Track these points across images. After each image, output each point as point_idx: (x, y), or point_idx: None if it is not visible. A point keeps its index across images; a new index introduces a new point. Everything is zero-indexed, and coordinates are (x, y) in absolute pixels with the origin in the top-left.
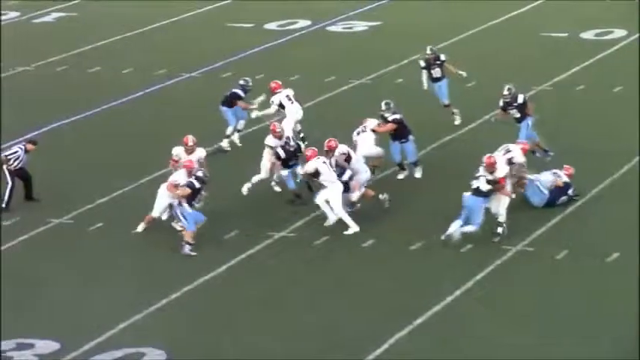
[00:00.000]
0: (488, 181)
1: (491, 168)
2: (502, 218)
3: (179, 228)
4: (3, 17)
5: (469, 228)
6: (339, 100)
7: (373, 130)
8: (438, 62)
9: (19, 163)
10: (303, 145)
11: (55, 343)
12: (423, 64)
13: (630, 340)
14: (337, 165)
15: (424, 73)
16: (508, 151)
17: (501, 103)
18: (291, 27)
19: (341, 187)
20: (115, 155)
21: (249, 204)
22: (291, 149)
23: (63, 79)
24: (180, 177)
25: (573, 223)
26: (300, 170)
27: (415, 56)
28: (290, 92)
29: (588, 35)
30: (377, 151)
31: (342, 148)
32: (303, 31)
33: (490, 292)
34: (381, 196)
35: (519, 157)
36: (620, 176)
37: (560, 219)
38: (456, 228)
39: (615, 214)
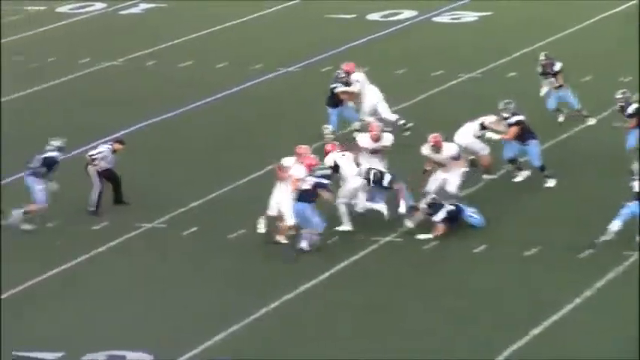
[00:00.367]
0: None
1: None
2: None
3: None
4: (88, 9)
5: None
6: (447, 95)
7: (483, 126)
8: (552, 72)
9: (107, 164)
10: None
11: (147, 355)
12: (539, 69)
13: None
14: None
15: (542, 80)
16: None
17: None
18: (396, 18)
19: (360, 182)
20: (210, 155)
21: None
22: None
23: (152, 74)
24: (299, 171)
25: None
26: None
27: (528, 49)
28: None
29: None
30: (479, 146)
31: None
32: (408, 22)
33: (610, 301)
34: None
35: None
36: None
37: None
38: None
39: None
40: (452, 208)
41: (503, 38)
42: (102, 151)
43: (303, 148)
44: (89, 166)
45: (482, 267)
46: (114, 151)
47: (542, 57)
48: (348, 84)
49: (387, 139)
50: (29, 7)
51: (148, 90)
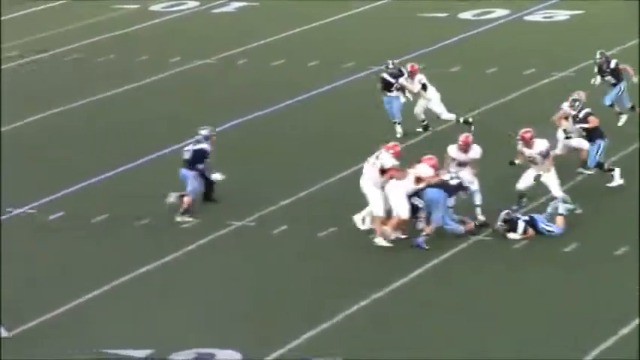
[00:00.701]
0: None
1: None
2: None
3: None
4: (182, 7)
5: None
6: (539, 94)
7: (576, 120)
8: (608, 70)
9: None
10: None
11: (236, 353)
12: (596, 69)
13: None
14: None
15: (598, 79)
16: None
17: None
18: (487, 17)
19: (405, 186)
20: (300, 153)
21: None
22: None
23: (244, 73)
24: (425, 170)
25: None
26: None
27: (620, 47)
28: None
29: None
30: (579, 143)
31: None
32: (499, 21)
33: None
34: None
35: None
36: None
37: None
38: None
39: None
40: (527, 219)
41: (595, 36)
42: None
43: (392, 145)
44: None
45: (573, 266)
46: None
47: (598, 55)
48: (397, 76)
49: (476, 151)
50: (123, 6)
51: (239, 89)
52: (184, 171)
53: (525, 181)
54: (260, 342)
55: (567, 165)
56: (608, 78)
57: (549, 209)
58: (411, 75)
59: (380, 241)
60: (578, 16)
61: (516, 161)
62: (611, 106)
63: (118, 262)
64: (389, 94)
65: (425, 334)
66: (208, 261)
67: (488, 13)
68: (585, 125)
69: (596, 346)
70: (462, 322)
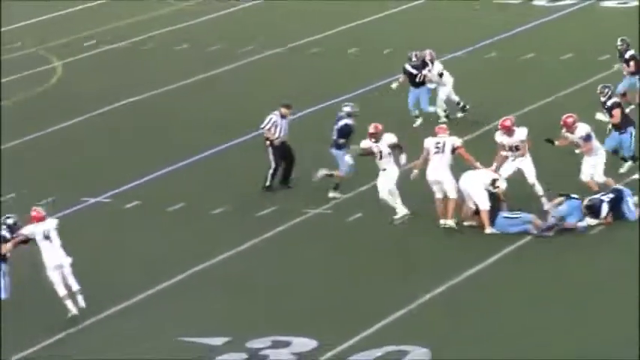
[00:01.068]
0: None
1: None
2: None
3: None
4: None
5: None
6: (613, 80)
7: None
8: (627, 57)
9: (279, 131)
10: None
11: (312, 340)
12: (617, 55)
13: None
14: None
15: (623, 66)
16: None
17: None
18: (562, 3)
19: (397, 171)
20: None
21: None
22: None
23: (317, 62)
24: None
25: None
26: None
27: None
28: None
29: None
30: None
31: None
32: (574, 7)
33: None
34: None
35: None
36: None
37: None
38: None
39: None
40: (612, 196)
41: None
42: (270, 118)
43: (442, 127)
44: (266, 142)
45: None
46: (282, 116)
47: (619, 42)
48: (419, 68)
49: (522, 132)
50: None
51: (313, 77)
52: (334, 150)
53: (588, 167)
54: (335, 330)
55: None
56: (625, 65)
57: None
58: (430, 63)
59: (448, 222)
60: None
61: (556, 142)
62: (624, 95)
63: (194, 251)
64: (413, 87)
65: (500, 322)
66: (285, 248)
67: None
68: (611, 119)
69: None
70: (538, 309)
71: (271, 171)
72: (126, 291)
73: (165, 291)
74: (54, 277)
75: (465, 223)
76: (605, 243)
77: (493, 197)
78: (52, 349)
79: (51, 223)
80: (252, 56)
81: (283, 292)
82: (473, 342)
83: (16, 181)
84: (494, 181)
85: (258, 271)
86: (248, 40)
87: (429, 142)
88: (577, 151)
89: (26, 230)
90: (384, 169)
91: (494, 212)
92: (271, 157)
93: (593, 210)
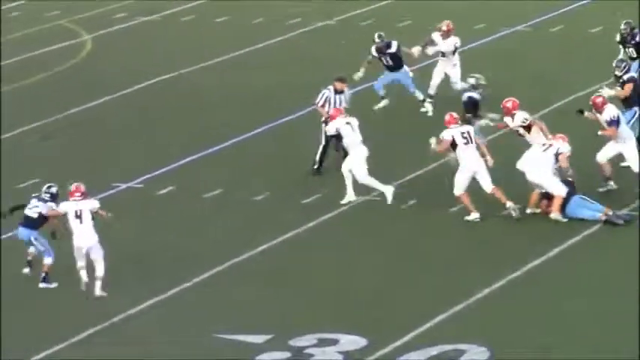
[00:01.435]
0: None
1: None
2: None
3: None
4: None
5: None
6: None
7: None
8: (633, 42)
9: (332, 105)
10: None
11: (361, 338)
12: (618, 38)
13: None
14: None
15: (621, 50)
16: None
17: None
18: None
19: (365, 151)
20: (432, 124)
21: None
22: None
23: (367, 34)
24: (565, 147)
25: None
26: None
27: None
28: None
29: None
30: None
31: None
32: None
33: None
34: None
35: None
36: None
37: None
38: None
39: None
40: None
41: None
42: (322, 92)
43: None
44: (322, 119)
45: None
46: (336, 91)
47: (623, 25)
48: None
49: (520, 116)
50: None
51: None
52: None
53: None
54: (386, 326)
55: None
56: (630, 50)
57: None
58: (446, 34)
59: (513, 209)
60: None
61: (586, 113)
62: None
63: (233, 241)
64: (388, 71)
65: (562, 317)
66: (330, 239)
67: None
68: (620, 93)
69: None
70: (601, 302)
71: (321, 148)
72: (160, 284)
73: (202, 284)
74: (77, 255)
75: (528, 211)
76: None
77: (568, 183)
78: (79, 347)
79: (86, 204)
80: (300, 28)
81: (329, 285)
82: (535, 337)
83: (40, 164)
84: (557, 156)
85: (301, 263)
86: (296, 14)
87: (452, 133)
88: (599, 132)
89: (62, 206)
90: None
91: (567, 198)
92: (323, 134)
93: None
